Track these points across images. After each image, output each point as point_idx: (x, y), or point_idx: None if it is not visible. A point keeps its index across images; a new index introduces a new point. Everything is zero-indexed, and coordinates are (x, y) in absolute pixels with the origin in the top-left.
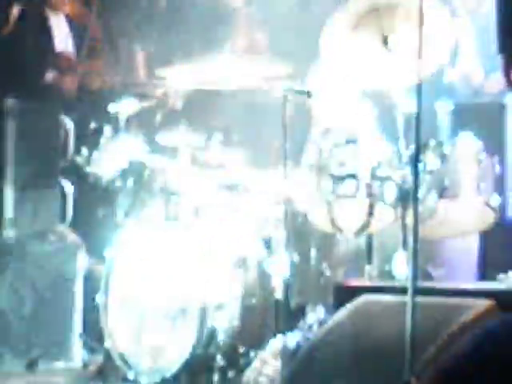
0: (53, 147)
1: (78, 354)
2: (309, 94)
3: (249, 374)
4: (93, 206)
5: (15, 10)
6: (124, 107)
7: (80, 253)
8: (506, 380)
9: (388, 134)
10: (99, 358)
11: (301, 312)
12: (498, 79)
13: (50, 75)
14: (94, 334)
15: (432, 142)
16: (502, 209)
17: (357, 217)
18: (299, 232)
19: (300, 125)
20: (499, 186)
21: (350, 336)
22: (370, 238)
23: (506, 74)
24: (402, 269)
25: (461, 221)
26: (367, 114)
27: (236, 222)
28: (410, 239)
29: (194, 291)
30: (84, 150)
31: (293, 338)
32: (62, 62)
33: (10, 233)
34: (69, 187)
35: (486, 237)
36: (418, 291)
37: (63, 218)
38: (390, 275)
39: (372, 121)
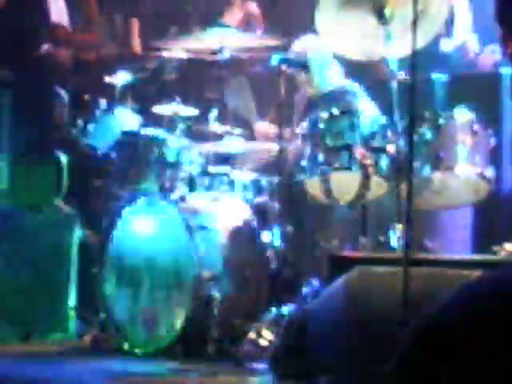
0: (48, 119)
1: (73, 325)
2: (304, 65)
3: (243, 345)
4: (88, 177)
5: None
6: (119, 79)
7: (75, 225)
8: (484, 328)
9: (383, 105)
10: (94, 330)
11: (295, 283)
12: (493, 50)
13: (45, 47)
14: (89, 305)
15: (427, 114)
16: (497, 181)
17: (351, 188)
18: (294, 203)
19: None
20: (494, 157)
21: (344, 307)
22: (364, 210)
23: (503, 45)
24: (396, 240)
25: (455, 192)
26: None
27: (231, 193)
28: (405, 210)
29: (190, 263)
30: (79, 122)
31: (287, 309)
32: (58, 33)
33: (4, 205)
34: (64, 159)
35: (481, 209)
36: (411, 262)
37: (58, 189)
38: (384, 246)
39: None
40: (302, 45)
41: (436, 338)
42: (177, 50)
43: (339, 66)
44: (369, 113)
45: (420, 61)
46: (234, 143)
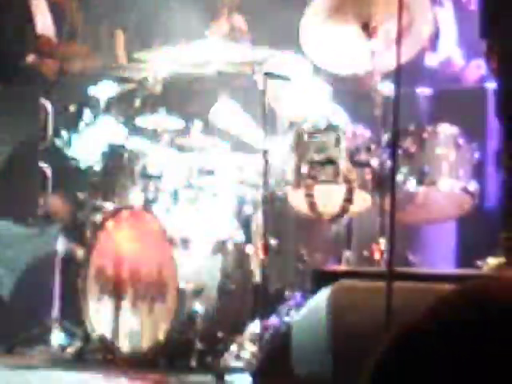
0: (32, 130)
1: (56, 337)
2: (286, 79)
3: (226, 358)
4: (72, 189)
5: None
6: (104, 90)
7: (59, 236)
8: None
9: (367, 119)
10: (78, 342)
11: (279, 297)
12: (478, 65)
13: (30, 58)
14: (72, 317)
15: (411, 127)
16: (481, 195)
17: (335, 201)
18: (278, 217)
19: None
20: (478, 172)
21: (328, 320)
22: (349, 224)
23: (488, 60)
24: (379, 254)
25: (439, 206)
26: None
27: (215, 207)
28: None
29: (173, 276)
30: (64, 133)
31: (271, 322)
32: (43, 45)
33: None
34: (48, 170)
35: (465, 223)
36: (395, 276)
37: (42, 201)
38: (368, 261)
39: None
40: (286, 58)
41: (408, 348)
42: (162, 62)
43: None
44: (353, 127)
45: (405, 75)
46: (218, 155)
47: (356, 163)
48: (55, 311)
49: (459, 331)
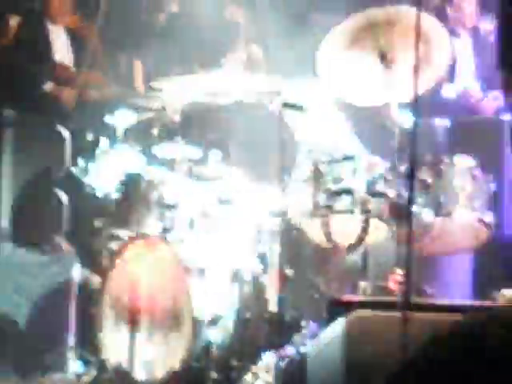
0: (49, 158)
1: (72, 365)
2: (303, 109)
3: None
4: (88, 217)
5: (14, 21)
6: (121, 119)
7: (75, 264)
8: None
9: (384, 149)
10: (93, 370)
11: (295, 326)
12: (495, 97)
13: (48, 86)
14: (88, 345)
15: (428, 158)
16: (497, 226)
17: (352, 232)
18: (294, 246)
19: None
20: (494, 203)
21: (343, 350)
22: (365, 254)
23: (505, 92)
24: (395, 285)
25: (455, 238)
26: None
27: (231, 236)
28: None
29: (189, 304)
30: (80, 162)
31: (286, 353)
32: (61, 73)
33: (5, 243)
34: (65, 198)
35: (480, 254)
36: (411, 307)
37: (59, 228)
38: (384, 291)
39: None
40: (304, 88)
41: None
42: (179, 91)
43: (340, 110)
44: (370, 157)
45: (422, 106)
46: (235, 185)
47: (373, 193)
48: (71, 339)
49: (462, 358)
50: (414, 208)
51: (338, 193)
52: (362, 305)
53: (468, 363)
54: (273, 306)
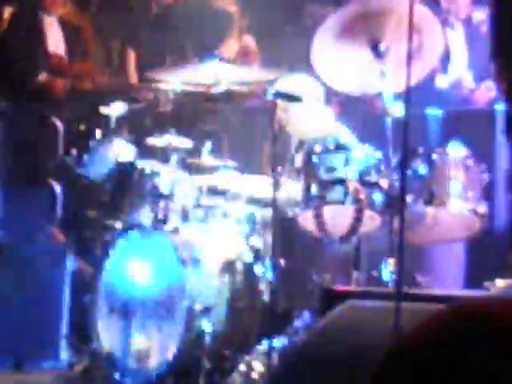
0: (42, 148)
1: (64, 354)
2: (297, 99)
3: (234, 377)
4: (81, 207)
5: (7, 12)
6: (114, 109)
7: (68, 253)
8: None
9: (377, 139)
10: (85, 359)
11: (287, 316)
12: (488, 87)
13: (41, 77)
14: (80, 334)
15: (421, 149)
16: (490, 216)
17: (344, 222)
18: (287, 236)
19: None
20: (487, 193)
21: (335, 341)
22: (358, 244)
23: (498, 82)
24: (388, 275)
25: (448, 227)
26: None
27: (224, 226)
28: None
29: (181, 294)
30: (74, 152)
31: (279, 343)
32: (54, 63)
33: None
34: (58, 188)
35: (473, 244)
36: (403, 297)
37: (52, 218)
38: (377, 281)
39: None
40: (296, 78)
41: (403, 362)
42: (172, 81)
43: (333, 101)
44: (362, 148)
45: (415, 96)
46: (227, 176)
47: (365, 183)
48: (64, 328)
49: (452, 346)
50: (407, 198)
51: (331, 183)
52: (355, 295)
53: (456, 352)
54: (265, 297)
